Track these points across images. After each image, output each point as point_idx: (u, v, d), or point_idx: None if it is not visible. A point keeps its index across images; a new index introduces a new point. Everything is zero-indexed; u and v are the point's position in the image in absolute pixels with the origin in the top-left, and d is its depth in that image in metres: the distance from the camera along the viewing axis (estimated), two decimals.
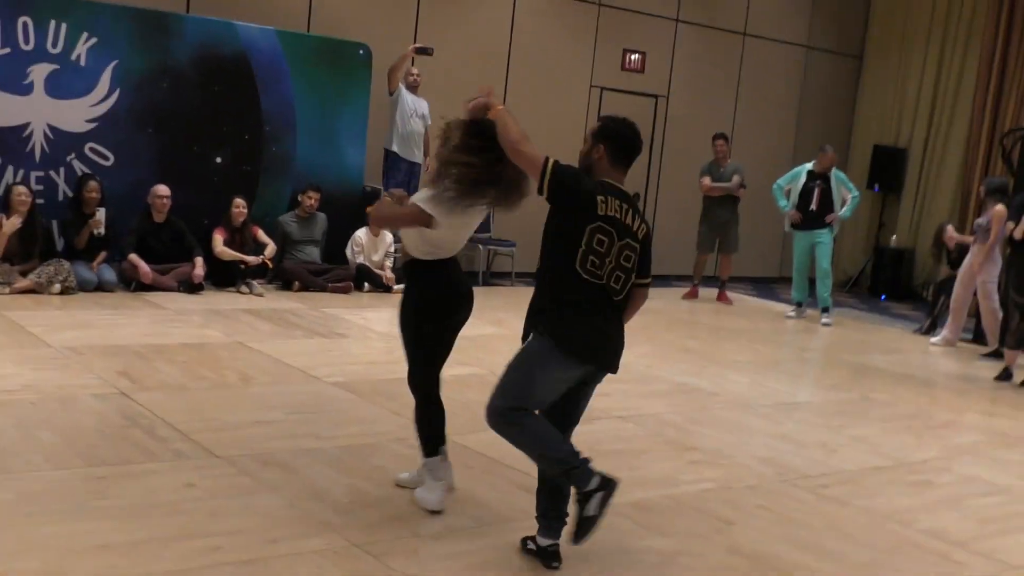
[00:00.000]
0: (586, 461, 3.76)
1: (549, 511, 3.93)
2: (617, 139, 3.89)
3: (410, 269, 4.34)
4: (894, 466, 5.75)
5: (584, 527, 3.73)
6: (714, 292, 11.87)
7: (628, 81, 12.93)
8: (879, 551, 4.42)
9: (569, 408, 3.97)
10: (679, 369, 7.77)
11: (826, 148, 11.01)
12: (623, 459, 5.36)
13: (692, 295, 11.82)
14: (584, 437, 5.58)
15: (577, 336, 3.80)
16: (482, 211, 4.25)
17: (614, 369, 3.93)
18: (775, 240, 14.29)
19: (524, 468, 4.88)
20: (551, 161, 3.79)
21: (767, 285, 14.00)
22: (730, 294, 11.91)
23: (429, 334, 4.27)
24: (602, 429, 5.87)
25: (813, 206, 10.79)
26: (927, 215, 14.03)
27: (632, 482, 5.00)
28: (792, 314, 11.16)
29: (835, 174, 10.90)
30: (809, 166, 10.96)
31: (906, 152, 14.30)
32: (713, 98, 13.64)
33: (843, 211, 10.84)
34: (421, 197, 4.25)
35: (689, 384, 7.29)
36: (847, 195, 10.85)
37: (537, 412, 3.85)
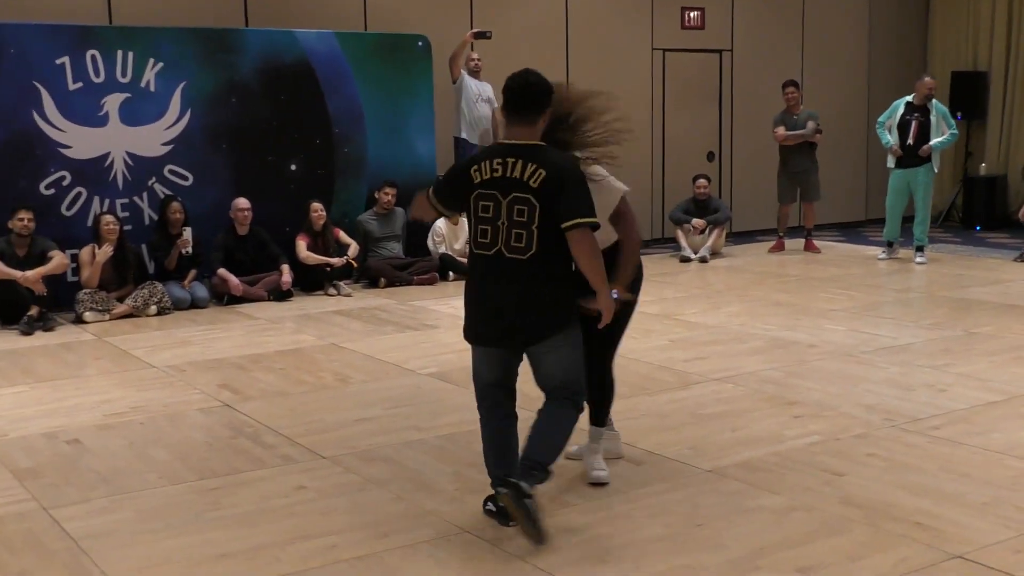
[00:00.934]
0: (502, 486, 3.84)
1: None
2: (504, 93, 3.89)
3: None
4: (1007, 400, 5.58)
5: (499, 517, 3.90)
6: (801, 243, 11.66)
7: (689, 39, 12.72)
8: (1000, 488, 4.29)
9: (537, 372, 4.02)
10: (773, 324, 7.63)
11: (923, 76, 10.68)
12: (726, 420, 5.31)
13: (778, 248, 11.62)
14: (684, 403, 5.60)
15: (468, 322, 4.00)
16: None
17: (516, 343, 3.90)
18: (858, 183, 13.96)
19: (628, 440, 4.87)
20: (428, 190, 4.09)
21: (854, 229, 13.69)
22: (817, 242, 11.68)
23: None
24: (701, 393, 5.83)
25: (910, 140, 10.43)
26: (1016, 139, 13.54)
27: (737, 443, 4.96)
28: (883, 255, 10.89)
29: (936, 106, 10.49)
30: (908, 98, 10.60)
31: (987, 75, 13.81)
32: (778, 45, 13.34)
33: (936, 141, 10.43)
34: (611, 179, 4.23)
35: (785, 338, 7.17)
36: (946, 131, 10.48)
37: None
